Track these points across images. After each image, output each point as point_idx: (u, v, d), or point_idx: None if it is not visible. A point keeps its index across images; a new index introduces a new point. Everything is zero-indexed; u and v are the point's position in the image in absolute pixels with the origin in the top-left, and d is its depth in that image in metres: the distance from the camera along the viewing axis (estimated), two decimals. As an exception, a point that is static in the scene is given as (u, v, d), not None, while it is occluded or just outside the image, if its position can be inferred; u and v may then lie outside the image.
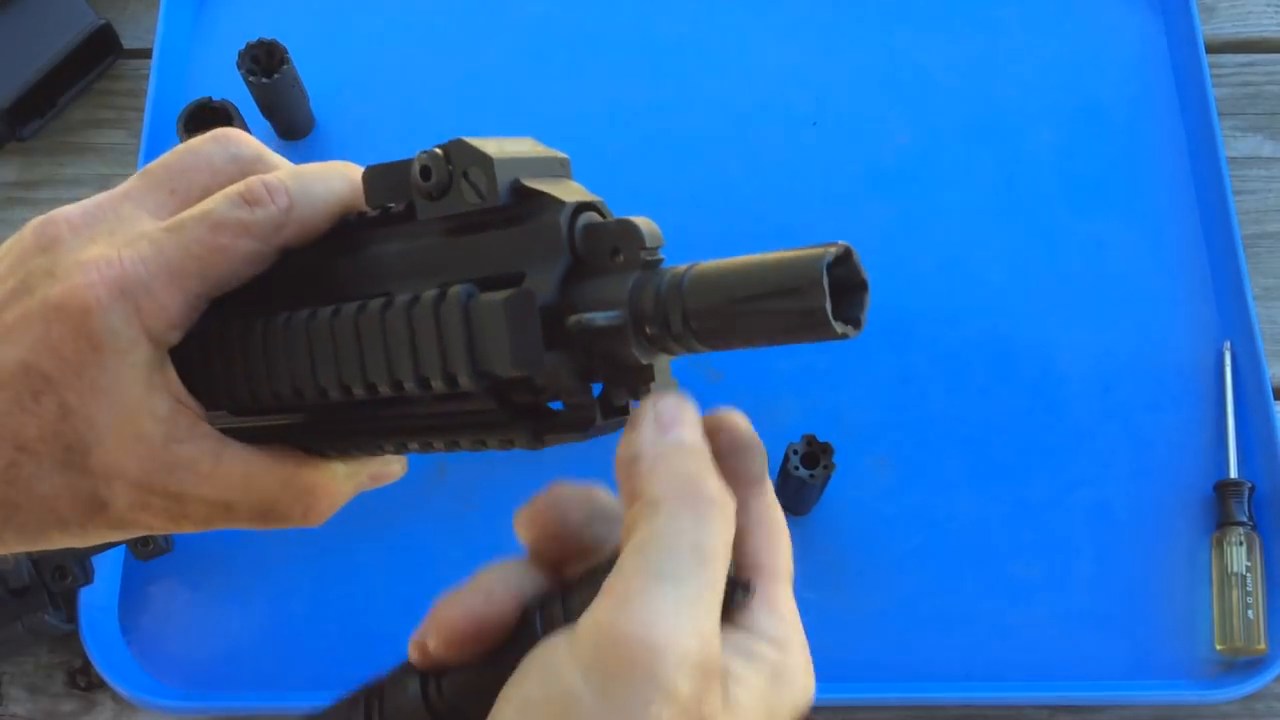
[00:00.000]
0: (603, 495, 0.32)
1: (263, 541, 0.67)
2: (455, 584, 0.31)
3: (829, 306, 0.27)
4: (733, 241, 0.75)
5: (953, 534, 0.68)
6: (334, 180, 0.34)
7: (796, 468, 0.62)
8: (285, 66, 0.72)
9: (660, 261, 0.29)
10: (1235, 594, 0.64)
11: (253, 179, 0.33)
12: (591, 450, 0.69)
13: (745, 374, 0.71)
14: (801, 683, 0.30)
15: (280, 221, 0.33)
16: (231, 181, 0.33)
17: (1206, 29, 0.81)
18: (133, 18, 0.83)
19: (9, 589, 0.62)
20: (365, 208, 0.34)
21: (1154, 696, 0.64)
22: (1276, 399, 0.69)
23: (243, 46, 0.72)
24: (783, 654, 0.29)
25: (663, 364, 0.30)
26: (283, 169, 0.34)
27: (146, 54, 0.80)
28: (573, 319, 0.29)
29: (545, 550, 0.32)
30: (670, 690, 0.25)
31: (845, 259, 0.27)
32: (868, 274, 0.27)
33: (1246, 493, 0.66)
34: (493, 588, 0.30)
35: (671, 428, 0.29)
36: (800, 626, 0.31)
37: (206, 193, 0.33)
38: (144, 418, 0.32)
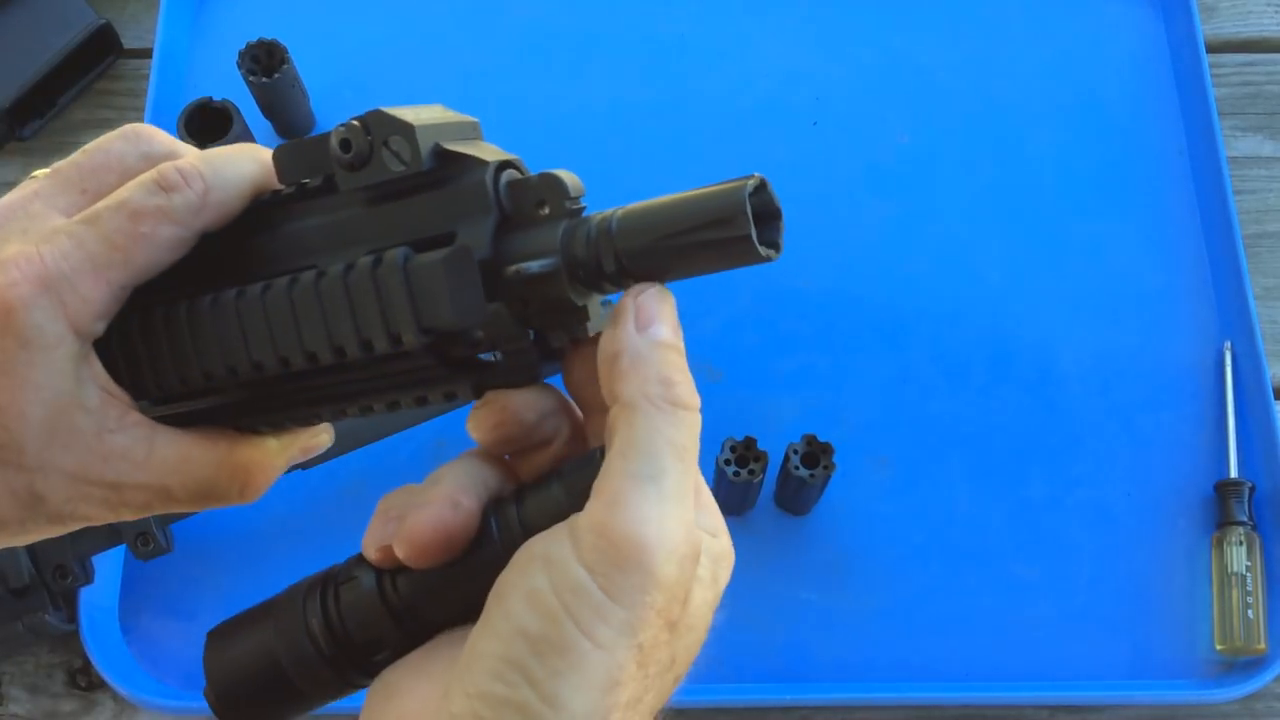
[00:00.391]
0: (553, 393, 0.33)
1: (263, 541, 0.67)
2: (406, 485, 0.32)
3: (754, 233, 0.29)
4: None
5: (953, 534, 0.68)
6: (244, 162, 0.34)
7: (796, 468, 0.62)
8: (285, 66, 0.72)
9: (583, 210, 0.31)
10: (1235, 594, 0.64)
11: (164, 165, 0.33)
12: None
13: (745, 374, 0.71)
14: (731, 558, 0.34)
15: (198, 205, 0.33)
16: None
17: (1206, 29, 0.81)
18: (133, 18, 0.83)
19: (9, 589, 0.62)
20: (278, 186, 0.34)
21: (1154, 696, 0.64)
22: (1276, 399, 0.69)
23: (243, 46, 0.72)
24: (718, 539, 0.33)
25: (594, 302, 0.32)
26: (191, 154, 0.34)
27: (146, 54, 0.80)
28: (511, 269, 0.30)
29: (501, 449, 0.33)
30: (661, 579, 0.28)
31: (762, 189, 0.29)
32: (780, 202, 0.30)
33: (1246, 492, 0.66)
34: (458, 497, 0.31)
35: (649, 324, 0.30)
36: (719, 510, 0.34)
37: None
38: (75, 411, 0.32)
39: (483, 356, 0.33)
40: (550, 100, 0.79)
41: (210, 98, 0.72)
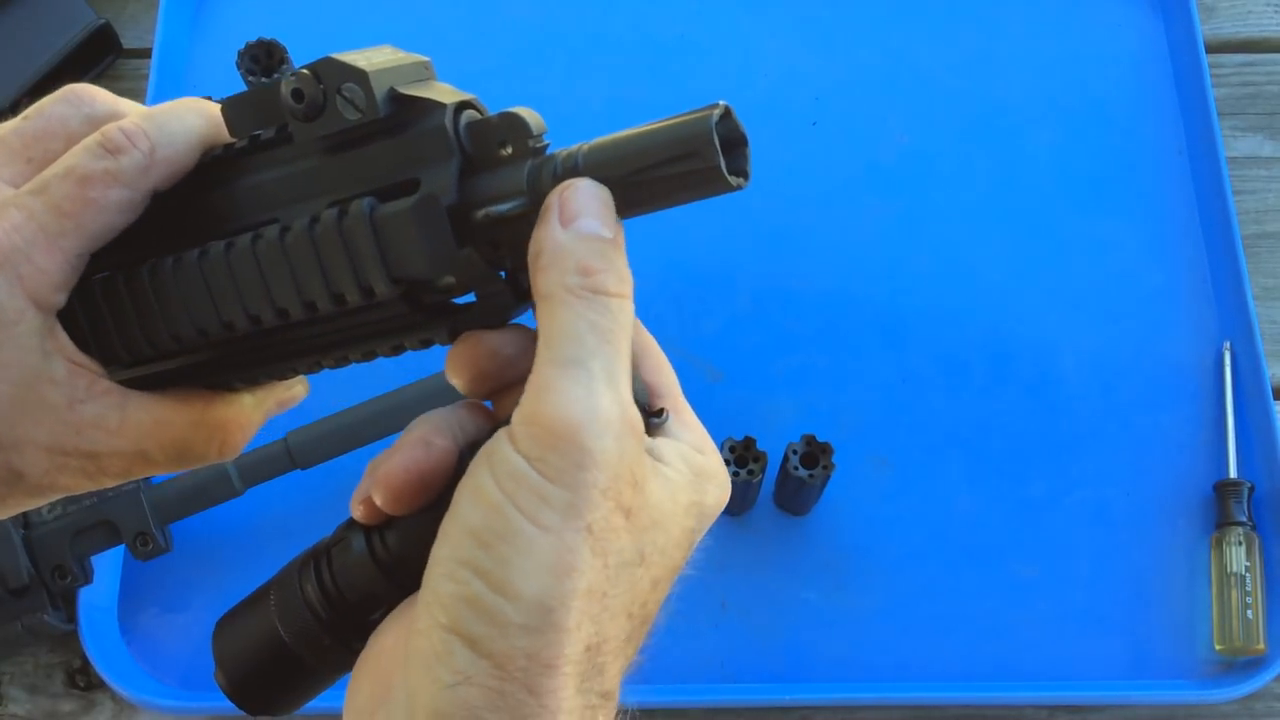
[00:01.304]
0: (525, 330, 0.33)
1: (262, 541, 0.67)
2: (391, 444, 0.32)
3: (723, 163, 0.28)
4: (733, 240, 0.75)
5: (952, 534, 0.68)
6: (189, 116, 0.34)
7: (796, 468, 0.62)
8: (284, 66, 0.72)
9: (546, 148, 0.31)
10: (1234, 594, 0.64)
11: (108, 127, 0.32)
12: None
13: (745, 374, 0.71)
14: (721, 478, 0.32)
15: (145, 164, 0.32)
16: None
17: (1206, 29, 0.81)
18: (132, 18, 0.83)
19: (9, 589, 0.62)
20: (229, 140, 0.34)
21: (1153, 696, 0.64)
22: (1276, 399, 0.69)
23: (242, 46, 0.72)
24: (703, 455, 0.32)
25: None
26: (134, 112, 0.34)
27: (146, 54, 0.80)
28: (480, 213, 0.30)
29: (480, 389, 0.33)
30: (598, 454, 0.27)
31: (727, 117, 0.29)
32: (746, 129, 0.29)
33: (1246, 493, 0.66)
34: (430, 438, 0.31)
35: (574, 219, 0.29)
36: (709, 436, 0.33)
37: None
38: (43, 385, 0.32)
39: (456, 301, 0.33)
40: (550, 100, 0.79)
41: (210, 97, 0.72)
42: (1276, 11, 0.84)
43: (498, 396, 0.33)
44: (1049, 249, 0.75)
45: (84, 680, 0.66)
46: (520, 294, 0.32)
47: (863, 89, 0.80)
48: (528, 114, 0.30)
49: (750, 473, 0.62)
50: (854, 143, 0.78)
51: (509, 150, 0.30)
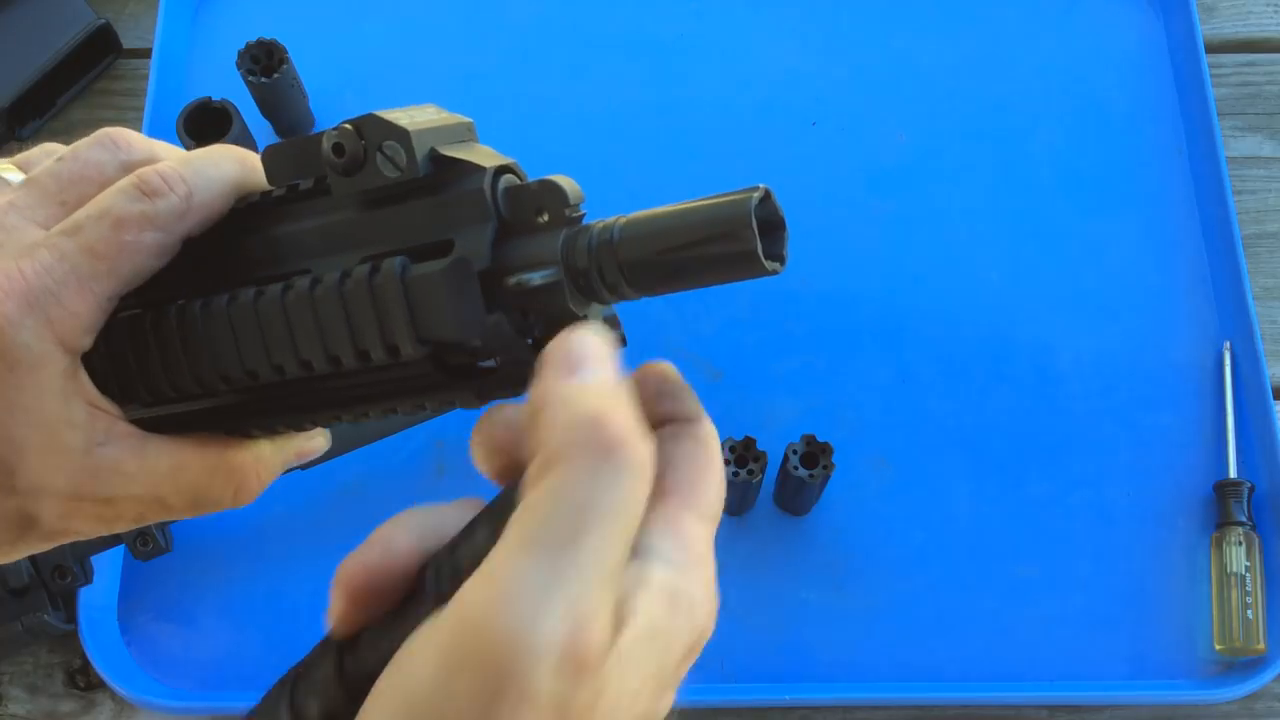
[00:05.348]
0: None
1: (262, 541, 0.67)
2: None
3: (759, 247, 0.28)
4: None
5: (952, 534, 0.68)
6: (225, 162, 0.33)
7: (796, 468, 0.62)
8: (285, 66, 0.72)
9: (583, 217, 0.30)
10: (1234, 594, 0.64)
11: (144, 170, 0.32)
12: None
13: (745, 374, 0.71)
14: (704, 608, 0.26)
15: (182, 210, 0.32)
16: None
17: (1206, 29, 0.81)
18: (132, 18, 0.83)
19: (9, 589, 0.62)
20: (265, 187, 0.34)
21: (1153, 696, 0.64)
22: (1276, 399, 0.69)
23: (242, 46, 0.72)
24: (680, 576, 0.25)
25: (594, 311, 0.31)
26: (170, 157, 0.33)
27: (146, 54, 0.80)
28: (512, 280, 0.30)
29: (506, 472, 0.29)
30: (526, 689, 0.22)
31: (766, 200, 0.28)
32: (784, 213, 0.29)
33: (1246, 493, 0.66)
34: (394, 537, 0.28)
35: (579, 368, 0.26)
36: (710, 562, 0.27)
37: None
38: (63, 429, 0.31)
39: (482, 364, 0.32)
40: (550, 100, 0.79)
41: (210, 98, 0.72)
42: (1276, 11, 0.84)
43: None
44: (1049, 248, 0.75)
45: (84, 680, 0.66)
46: None
47: (862, 89, 0.80)
48: (566, 182, 0.30)
49: (750, 473, 0.62)
50: (854, 143, 0.78)
51: (545, 218, 0.30)
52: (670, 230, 0.29)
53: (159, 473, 0.33)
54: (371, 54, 0.81)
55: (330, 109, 0.79)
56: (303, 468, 0.65)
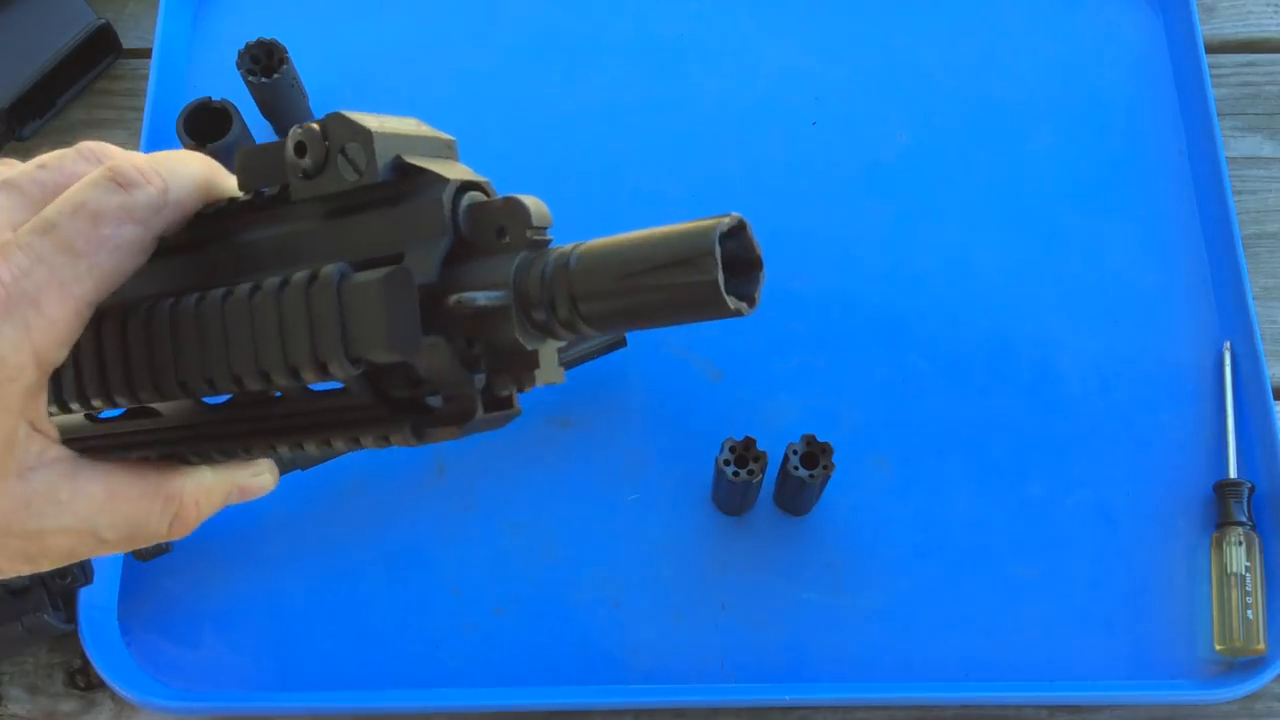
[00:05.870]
0: None
1: (263, 542, 0.67)
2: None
3: (721, 279, 0.25)
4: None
5: (952, 534, 0.68)
6: (192, 160, 0.32)
7: (796, 468, 0.62)
8: (285, 66, 0.72)
9: (548, 242, 0.28)
10: (1235, 594, 0.64)
11: (116, 162, 0.30)
12: (606, 449, 0.68)
13: (745, 374, 0.71)
14: None
15: (159, 203, 0.30)
16: None
17: (1206, 29, 0.81)
18: (132, 18, 0.83)
19: (9, 589, 0.62)
20: (232, 193, 0.32)
21: (1153, 697, 0.64)
22: (1276, 399, 0.69)
23: (242, 46, 0.72)
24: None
25: (549, 350, 0.29)
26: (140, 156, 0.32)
27: (146, 54, 0.80)
28: (453, 297, 0.27)
29: None
30: None
31: (739, 231, 0.26)
32: (761, 250, 0.27)
33: (1246, 493, 0.66)
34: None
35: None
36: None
37: None
38: (4, 451, 0.29)
39: (429, 400, 0.30)
40: (549, 100, 0.79)
41: (210, 98, 0.72)
42: (1276, 11, 0.84)
43: None
44: (1049, 249, 0.75)
45: (84, 680, 0.66)
46: (492, 404, 0.29)
47: (862, 89, 0.80)
48: (531, 202, 0.28)
49: (750, 473, 0.62)
50: (854, 142, 0.78)
51: (507, 239, 0.28)
52: (628, 257, 0.26)
53: (94, 501, 0.31)
54: (371, 54, 0.81)
55: (330, 109, 0.78)
56: (302, 468, 0.65)
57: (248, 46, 0.72)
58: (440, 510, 0.68)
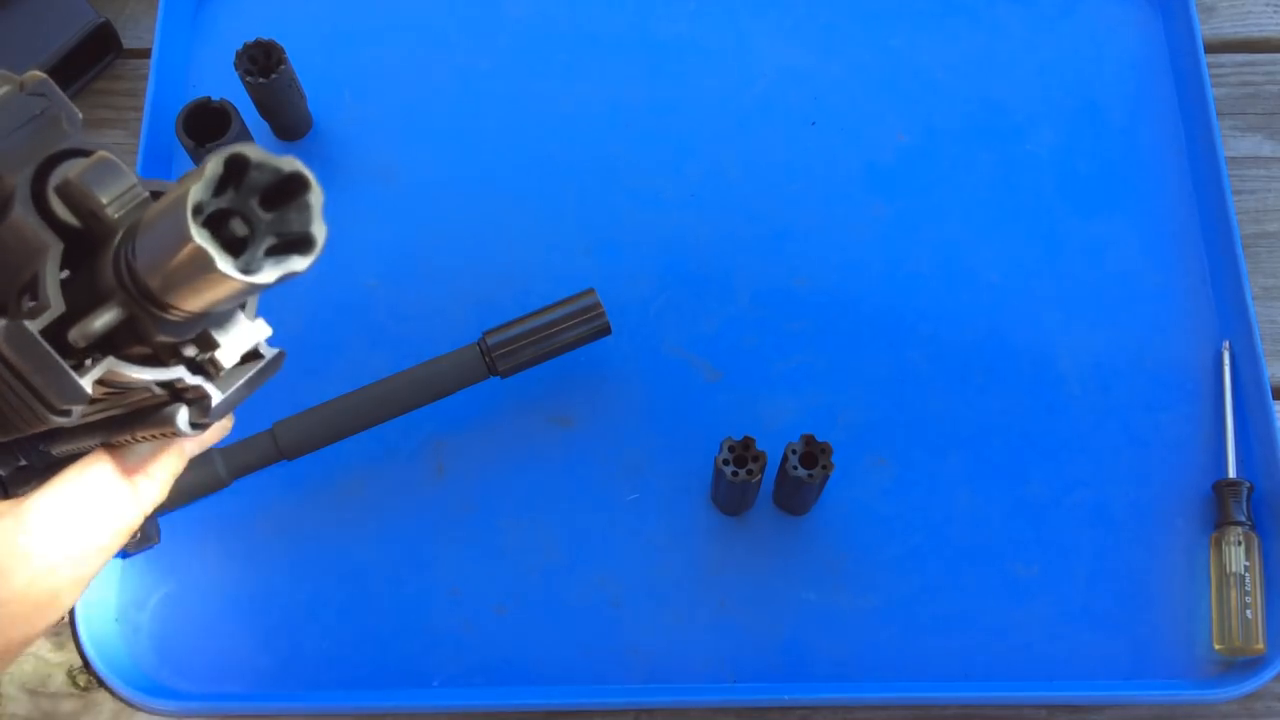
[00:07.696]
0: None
1: (261, 541, 0.67)
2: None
3: (213, 244, 0.21)
4: (732, 240, 0.75)
5: (952, 534, 0.68)
6: None
7: (795, 468, 0.62)
8: (283, 67, 0.72)
9: (146, 201, 0.24)
10: (1234, 594, 0.64)
11: None
12: (605, 449, 0.68)
13: (745, 374, 0.71)
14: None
15: None
16: None
17: (1206, 29, 0.81)
18: (132, 17, 0.83)
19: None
20: None
21: (1153, 696, 0.64)
22: (1276, 399, 0.69)
23: (241, 46, 0.72)
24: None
25: (222, 314, 0.25)
26: None
27: (146, 54, 0.80)
28: (71, 334, 0.23)
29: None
30: None
31: (240, 166, 0.22)
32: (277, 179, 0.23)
33: (1245, 492, 0.66)
34: None
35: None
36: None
37: None
38: None
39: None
40: (549, 100, 0.79)
41: (209, 97, 0.72)
42: (1276, 11, 0.84)
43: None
44: (1048, 249, 0.75)
45: (84, 680, 0.66)
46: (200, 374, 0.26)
47: (861, 89, 0.80)
48: (105, 163, 0.23)
49: (749, 473, 0.62)
50: (853, 142, 0.78)
51: (104, 222, 0.23)
52: (150, 221, 0.23)
53: (51, 526, 0.32)
54: (370, 54, 0.81)
55: (328, 109, 0.79)
56: (290, 458, 0.64)
57: (245, 47, 0.72)
58: (440, 510, 0.68)
